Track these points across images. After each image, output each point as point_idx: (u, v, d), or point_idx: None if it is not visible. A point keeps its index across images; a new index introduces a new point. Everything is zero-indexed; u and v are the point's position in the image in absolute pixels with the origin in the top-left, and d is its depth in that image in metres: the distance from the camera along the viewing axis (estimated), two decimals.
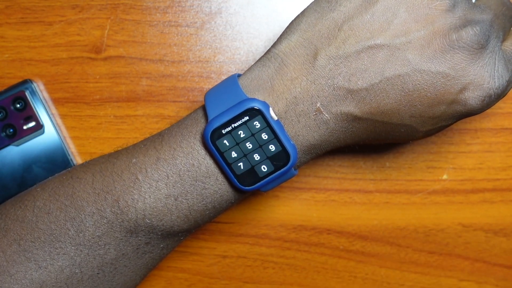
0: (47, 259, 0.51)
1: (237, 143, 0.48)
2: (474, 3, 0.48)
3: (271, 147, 0.48)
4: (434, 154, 0.67)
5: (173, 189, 0.50)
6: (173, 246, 0.56)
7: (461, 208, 0.67)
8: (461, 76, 0.46)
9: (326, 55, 0.47)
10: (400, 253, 0.69)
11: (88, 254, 0.51)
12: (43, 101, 0.68)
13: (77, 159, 0.69)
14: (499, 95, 0.48)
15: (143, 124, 0.69)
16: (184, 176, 0.50)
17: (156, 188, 0.50)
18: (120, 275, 0.54)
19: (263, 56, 0.50)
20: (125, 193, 0.50)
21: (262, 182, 0.50)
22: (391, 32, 0.46)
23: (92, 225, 0.51)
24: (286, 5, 0.67)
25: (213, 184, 0.50)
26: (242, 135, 0.48)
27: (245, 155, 0.49)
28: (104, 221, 0.51)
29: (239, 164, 0.49)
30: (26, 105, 0.67)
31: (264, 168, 0.49)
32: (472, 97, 0.47)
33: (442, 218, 0.68)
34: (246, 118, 0.47)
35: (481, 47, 0.46)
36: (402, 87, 0.46)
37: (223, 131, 0.48)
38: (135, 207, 0.50)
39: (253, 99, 0.47)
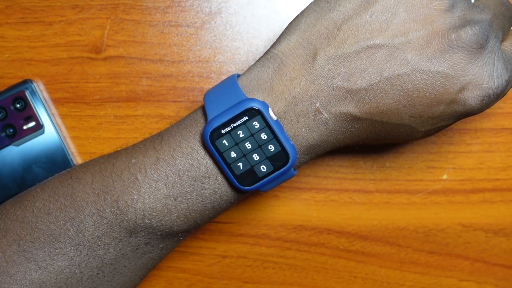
0: (47, 260, 0.51)
1: (237, 143, 0.48)
2: (473, 3, 0.48)
3: (271, 147, 0.48)
4: (434, 154, 0.67)
5: (173, 189, 0.50)
6: (173, 247, 0.56)
7: (461, 208, 0.67)
8: (460, 76, 0.46)
9: (325, 55, 0.47)
10: (400, 253, 0.69)
11: (87, 254, 0.51)
12: (43, 101, 0.68)
13: (77, 159, 0.69)
14: (498, 95, 0.48)
15: (143, 124, 0.69)
16: (183, 176, 0.50)
17: (155, 188, 0.50)
18: (120, 275, 0.54)
19: (262, 56, 0.50)
20: (125, 193, 0.50)
21: (261, 182, 0.50)
22: (390, 32, 0.46)
23: (92, 225, 0.51)
24: (286, 5, 0.67)
25: (213, 184, 0.50)
26: (241, 135, 0.48)
27: (244, 155, 0.49)
28: (104, 222, 0.51)
29: (238, 164, 0.49)
30: (26, 105, 0.67)
31: (263, 168, 0.49)
32: (471, 97, 0.47)
33: (442, 218, 0.68)
34: (246, 118, 0.47)
35: (480, 47, 0.46)
36: (401, 87, 0.46)
37: (223, 131, 0.48)
38: (135, 207, 0.50)
39: (253, 99, 0.47)
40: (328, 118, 0.48)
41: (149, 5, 0.67)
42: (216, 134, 0.48)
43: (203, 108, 0.51)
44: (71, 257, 0.51)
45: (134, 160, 0.51)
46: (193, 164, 0.50)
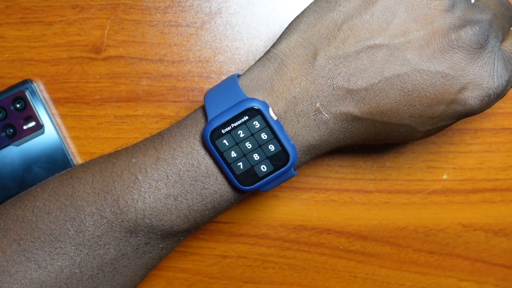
0: (47, 259, 0.51)
1: (237, 143, 0.48)
2: (473, 3, 0.48)
3: (271, 147, 0.48)
4: (434, 154, 0.67)
5: (173, 189, 0.50)
6: (173, 246, 0.56)
7: (461, 208, 0.67)
8: (460, 76, 0.46)
9: (326, 55, 0.47)
10: (400, 253, 0.69)
11: (88, 254, 0.51)
12: (43, 101, 0.68)
13: (77, 159, 0.69)
14: (498, 95, 0.48)
15: (143, 124, 0.69)
16: (183, 176, 0.50)
17: (155, 188, 0.50)
18: (120, 275, 0.54)
19: (262, 56, 0.50)
20: (125, 193, 0.50)
21: (261, 182, 0.50)
22: (390, 32, 0.46)
23: (92, 225, 0.51)
24: (286, 5, 0.67)
25: (213, 184, 0.50)
26: (241, 135, 0.48)
27: (244, 155, 0.49)
28: (104, 221, 0.51)
29: (238, 164, 0.49)
30: (26, 105, 0.67)
31: (263, 168, 0.49)
32: (471, 97, 0.47)
33: (442, 218, 0.68)
34: (246, 118, 0.47)
35: (480, 47, 0.46)
36: (402, 87, 0.46)
37: (223, 131, 0.48)
38: (135, 207, 0.50)
39: (253, 99, 0.47)
40: (328, 118, 0.48)
41: (149, 5, 0.67)
42: (216, 134, 0.48)
43: (203, 108, 0.51)
44: (71, 256, 0.51)
45: (134, 159, 0.51)
46: (193, 164, 0.50)
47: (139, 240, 0.52)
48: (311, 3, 0.50)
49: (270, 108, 0.47)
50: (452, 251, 0.68)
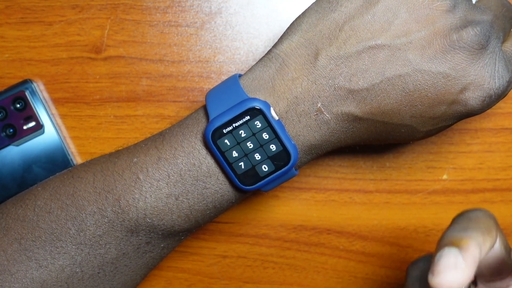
0: (48, 258, 0.51)
1: (238, 143, 0.48)
2: (475, 4, 0.48)
3: (272, 147, 0.48)
4: (434, 154, 0.67)
5: (174, 189, 0.50)
6: (174, 246, 0.56)
7: (461, 208, 0.67)
8: (461, 76, 0.46)
9: (327, 55, 0.47)
10: (400, 253, 0.69)
11: (88, 253, 0.52)
12: (43, 101, 0.68)
13: (77, 159, 0.69)
14: (500, 96, 0.48)
15: (143, 124, 0.69)
16: (185, 175, 0.50)
17: (157, 187, 0.50)
18: (121, 274, 0.54)
19: (264, 56, 0.50)
20: (126, 192, 0.50)
21: (262, 181, 0.50)
22: (392, 33, 0.46)
23: (93, 224, 0.51)
24: (286, 5, 0.67)
25: (214, 184, 0.50)
26: (243, 135, 0.48)
27: (246, 154, 0.49)
28: (105, 220, 0.51)
29: (240, 164, 0.49)
30: (26, 105, 0.67)
31: (265, 168, 0.49)
32: (473, 98, 0.47)
33: (442, 218, 0.68)
34: (247, 117, 0.47)
35: (481, 47, 0.46)
36: (403, 87, 0.46)
37: (224, 131, 0.48)
38: (136, 207, 0.50)
39: (254, 99, 0.47)
40: (330, 118, 0.48)
41: (149, 5, 0.67)
42: (217, 134, 0.48)
43: (204, 108, 0.51)
44: (72, 256, 0.51)
45: (135, 159, 0.51)
46: (194, 164, 0.50)
47: (140, 239, 0.52)
48: (313, 3, 0.50)
49: (271, 108, 0.47)
50: None
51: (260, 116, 0.47)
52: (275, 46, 0.50)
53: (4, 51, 0.69)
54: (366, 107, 0.47)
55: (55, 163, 0.68)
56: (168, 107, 0.68)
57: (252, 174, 0.49)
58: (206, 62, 0.68)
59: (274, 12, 0.67)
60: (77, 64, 0.68)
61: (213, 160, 0.50)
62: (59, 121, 0.69)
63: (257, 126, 0.48)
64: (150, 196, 0.50)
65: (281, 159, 0.49)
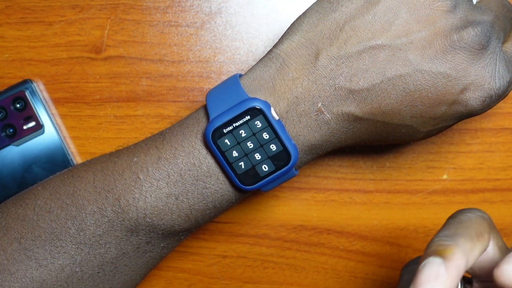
0: (48, 258, 0.51)
1: (238, 143, 0.48)
2: (475, 4, 0.48)
3: (272, 146, 0.48)
4: (434, 154, 0.67)
5: (174, 188, 0.50)
6: (174, 246, 0.56)
7: (461, 208, 0.67)
8: (462, 76, 0.46)
9: (328, 55, 0.47)
10: (400, 253, 0.69)
11: (88, 253, 0.52)
12: (43, 101, 0.68)
13: (77, 159, 0.69)
14: (500, 96, 0.48)
15: (143, 124, 0.69)
16: (185, 175, 0.50)
17: (157, 187, 0.50)
18: (121, 274, 0.54)
19: (264, 56, 0.50)
20: (126, 192, 0.50)
21: (263, 181, 0.50)
22: (392, 33, 0.46)
23: (93, 223, 0.51)
24: (286, 5, 0.67)
25: (214, 184, 0.50)
26: (243, 135, 0.48)
27: (246, 154, 0.49)
28: (105, 220, 0.51)
29: (240, 164, 0.49)
30: (26, 105, 0.66)
31: (265, 168, 0.49)
32: (473, 98, 0.47)
33: (442, 218, 0.67)
34: (248, 117, 0.47)
35: (482, 47, 0.46)
36: (403, 88, 0.46)
37: (224, 131, 0.48)
38: (136, 206, 0.50)
39: (255, 99, 0.47)
40: (330, 118, 0.48)
41: (149, 5, 0.67)
42: (218, 133, 0.48)
43: (205, 108, 0.51)
44: (72, 255, 0.51)
45: (136, 159, 0.51)
46: (194, 163, 0.50)
47: (140, 239, 0.52)
48: (313, 3, 0.50)
49: (272, 108, 0.47)
50: None
51: (261, 116, 0.47)
52: (275, 46, 0.50)
53: (4, 51, 0.69)
54: (366, 107, 0.47)
55: (55, 163, 0.68)
56: (168, 107, 0.68)
57: (252, 174, 0.49)
58: (206, 62, 0.68)
59: (274, 12, 0.67)
60: (77, 64, 0.68)
61: (213, 160, 0.50)
62: (59, 121, 0.69)
63: (258, 126, 0.48)
64: (150, 195, 0.50)
65: (281, 159, 0.49)
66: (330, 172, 0.68)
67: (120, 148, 0.54)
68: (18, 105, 0.66)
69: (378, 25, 0.46)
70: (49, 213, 0.52)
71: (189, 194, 0.50)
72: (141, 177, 0.50)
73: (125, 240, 0.52)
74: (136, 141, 0.54)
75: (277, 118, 0.47)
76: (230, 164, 0.49)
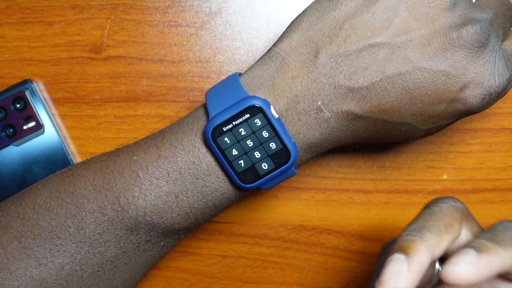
0: (48, 256, 0.51)
1: (238, 141, 0.48)
2: (474, 2, 0.48)
3: (272, 145, 0.48)
4: (434, 154, 0.67)
5: (174, 187, 0.50)
6: (174, 244, 0.56)
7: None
8: (461, 74, 0.46)
9: (327, 54, 0.47)
10: None
11: (88, 251, 0.52)
12: (43, 101, 0.68)
13: (77, 159, 0.69)
14: (499, 94, 0.48)
15: (143, 124, 0.69)
16: (185, 173, 0.50)
17: (156, 185, 0.50)
18: (120, 273, 0.54)
19: (264, 54, 0.50)
20: (126, 190, 0.50)
21: (262, 180, 0.50)
22: (392, 31, 0.46)
23: (93, 222, 0.51)
24: (286, 5, 0.67)
25: (214, 182, 0.50)
26: (243, 133, 0.48)
27: (245, 152, 0.49)
28: (105, 219, 0.51)
29: (239, 162, 0.49)
30: (26, 105, 0.67)
31: (264, 166, 0.49)
32: (473, 95, 0.47)
33: None
34: (247, 115, 0.47)
35: (481, 45, 0.46)
36: (403, 86, 0.46)
37: (224, 129, 0.48)
38: (136, 205, 0.50)
39: (254, 97, 0.47)
40: (330, 116, 0.48)
41: (149, 5, 0.68)
42: (217, 132, 0.48)
43: (204, 106, 0.51)
44: (71, 254, 0.51)
45: (135, 157, 0.51)
46: (194, 162, 0.50)
47: (140, 237, 0.52)
48: (313, 2, 0.50)
49: (271, 106, 0.47)
50: None
51: (260, 114, 0.47)
52: (275, 44, 0.50)
53: (4, 51, 0.69)
54: (366, 105, 0.47)
55: (55, 163, 0.68)
56: (168, 107, 0.68)
57: (252, 172, 0.49)
58: (206, 62, 0.68)
59: (274, 12, 0.67)
60: (77, 64, 0.68)
61: (213, 158, 0.50)
62: (59, 121, 0.69)
63: (257, 124, 0.48)
64: (150, 194, 0.50)
65: (281, 157, 0.49)
66: (330, 172, 0.68)
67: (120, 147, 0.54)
68: (18, 105, 0.66)
69: (377, 23, 0.46)
70: (49, 211, 0.52)
71: (189, 192, 0.50)
72: (141, 175, 0.50)
73: (125, 239, 0.52)
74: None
75: (276, 116, 0.48)
76: (229, 163, 0.49)
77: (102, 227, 0.51)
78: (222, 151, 0.48)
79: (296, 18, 0.50)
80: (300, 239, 0.69)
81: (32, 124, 0.67)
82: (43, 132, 0.67)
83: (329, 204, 0.68)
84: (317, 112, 0.48)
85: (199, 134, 0.50)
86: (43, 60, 0.69)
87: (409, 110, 0.48)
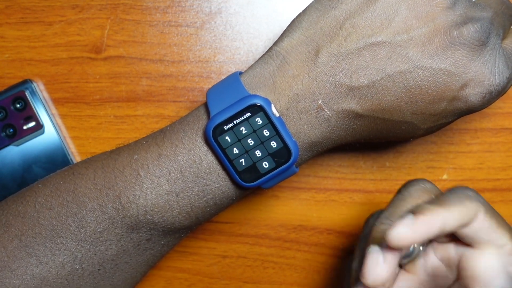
0: (48, 255, 0.51)
1: (239, 140, 0.48)
2: (474, 1, 0.48)
3: (273, 143, 0.48)
4: (434, 154, 0.67)
5: (175, 186, 0.50)
6: (174, 243, 0.56)
7: None
8: (462, 72, 0.46)
9: (328, 53, 0.47)
10: None
11: (89, 250, 0.52)
12: (43, 101, 0.68)
13: (77, 159, 0.69)
14: (500, 92, 0.48)
15: (143, 124, 0.69)
16: (185, 172, 0.50)
17: (157, 184, 0.50)
18: (121, 271, 0.54)
19: (265, 53, 0.50)
20: (127, 189, 0.50)
21: (263, 178, 0.50)
22: (392, 29, 0.46)
23: (94, 220, 0.51)
24: (286, 5, 0.67)
25: (215, 181, 0.50)
26: (244, 132, 0.48)
27: (246, 151, 0.49)
28: (106, 217, 0.51)
29: (240, 161, 0.49)
30: (26, 105, 0.67)
31: (265, 165, 0.49)
32: (473, 94, 0.47)
33: None
34: (248, 114, 0.47)
35: (481, 44, 0.46)
36: (404, 84, 0.46)
37: (225, 128, 0.48)
38: (137, 203, 0.50)
39: (255, 96, 0.47)
40: (330, 115, 0.48)
41: (149, 5, 0.68)
42: (218, 130, 0.48)
43: (205, 105, 0.51)
44: (72, 252, 0.51)
45: (136, 156, 0.51)
46: (195, 161, 0.50)
47: (141, 236, 0.52)
48: (313, 1, 0.50)
49: (272, 105, 0.47)
50: None
51: (261, 113, 0.47)
52: (275, 43, 0.50)
53: (4, 51, 0.69)
54: (366, 104, 0.47)
55: (55, 163, 0.68)
56: (168, 107, 0.68)
57: (253, 171, 0.49)
58: (206, 62, 0.68)
59: (274, 12, 0.67)
60: (77, 64, 0.68)
61: (214, 157, 0.50)
62: (59, 121, 0.69)
63: (258, 123, 0.48)
64: (151, 192, 0.50)
65: (281, 156, 0.49)
66: (330, 172, 0.68)
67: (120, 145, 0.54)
68: (18, 105, 0.66)
69: (378, 22, 0.46)
70: (49, 210, 0.52)
71: (190, 191, 0.50)
72: (141, 174, 0.50)
73: (126, 237, 0.52)
74: None
75: (277, 115, 0.48)
76: (230, 161, 0.49)
77: (103, 226, 0.51)
78: (223, 150, 0.48)
79: (297, 17, 0.50)
80: (300, 239, 0.69)
81: (32, 124, 0.67)
82: (43, 132, 0.67)
83: (329, 204, 0.68)
84: (317, 111, 0.48)
85: (200, 133, 0.50)
86: (43, 60, 0.69)
87: (409, 109, 0.48)
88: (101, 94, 0.68)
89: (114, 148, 0.55)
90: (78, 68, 0.68)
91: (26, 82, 0.67)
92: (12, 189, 0.68)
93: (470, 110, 0.49)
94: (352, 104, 0.47)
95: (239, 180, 0.49)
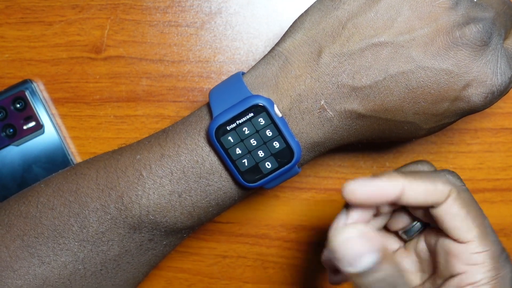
0: (51, 255, 0.51)
1: (242, 140, 0.48)
2: (476, 1, 0.48)
3: (275, 144, 0.48)
4: (434, 154, 0.67)
5: (177, 186, 0.50)
6: (176, 243, 0.56)
7: None
8: (464, 73, 0.46)
9: (330, 53, 0.47)
10: None
11: (91, 250, 0.51)
12: (43, 101, 0.68)
13: (77, 159, 0.69)
14: (502, 92, 0.48)
15: (143, 124, 0.69)
16: (188, 172, 0.50)
17: (160, 184, 0.50)
18: (123, 271, 0.54)
19: (267, 54, 0.50)
20: (129, 189, 0.50)
21: (266, 179, 0.50)
22: (394, 30, 0.46)
23: (96, 221, 0.51)
24: (286, 5, 0.67)
25: (217, 181, 0.50)
26: (246, 132, 0.48)
27: (249, 151, 0.49)
28: (108, 217, 0.51)
29: (243, 161, 0.49)
30: (26, 105, 0.66)
31: (268, 165, 0.49)
32: (475, 94, 0.47)
33: None
34: (251, 114, 0.47)
35: (484, 44, 0.46)
36: (406, 84, 0.46)
37: (228, 128, 0.48)
38: (139, 203, 0.50)
39: (258, 96, 0.47)
40: (333, 116, 0.48)
41: (149, 5, 0.68)
42: (221, 131, 0.48)
43: (208, 105, 0.51)
44: (74, 252, 0.51)
45: (138, 156, 0.51)
46: (197, 161, 0.50)
47: (143, 236, 0.52)
48: (316, 1, 0.50)
49: (275, 105, 0.47)
50: None
51: (264, 113, 0.47)
52: (278, 44, 0.50)
53: (4, 51, 0.69)
54: (369, 104, 0.47)
55: (55, 163, 0.68)
56: (168, 107, 0.68)
57: (256, 171, 0.49)
58: (206, 62, 0.68)
59: (274, 12, 0.67)
60: (77, 64, 0.68)
61: (216, 157, 0.50)
62: (59, 121, 0.69)
63: (261, 123, 0.48)
64: (153, 193, 0.50)
65: (284, 156, 0.49)
66: (330, 172, 0.68)
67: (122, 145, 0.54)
68: (18, 105, 0.66)
69: (380, 22, 0.46)
70: (52, 210, 0.52)
71: (192, 191, 0.50)
72: (144, 174, 0.50)
73: (128, 238, 0.52)
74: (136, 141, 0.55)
75: (280, 115, 0.48)
76: (233, 162, 0.49)
77: (105, 226, 0.51)
78: (225, 150, 0.48)
79: (299, 17, 0.50)
80: (300, 239, 0.69)
81: (32, 124, 0.67)
82: (43, 132, 0.67)
83: (329, 204, 0.68)
84: (320, 111, 0.48)
85: (203, 133, 0.50)
86: (43, 60, 0.69)
87: (412, 109, 0.48)
88: (101, 94, 0.68)
89: (115, 148, 0.55)
90: (78, 68, 0.68)
91: (26, 82, 0.67)
92: (12, 189, 0.67)
93: (473, 110, 0.49)
94: (355, 105, 0.47)
95: (242, 180, 0.49)
